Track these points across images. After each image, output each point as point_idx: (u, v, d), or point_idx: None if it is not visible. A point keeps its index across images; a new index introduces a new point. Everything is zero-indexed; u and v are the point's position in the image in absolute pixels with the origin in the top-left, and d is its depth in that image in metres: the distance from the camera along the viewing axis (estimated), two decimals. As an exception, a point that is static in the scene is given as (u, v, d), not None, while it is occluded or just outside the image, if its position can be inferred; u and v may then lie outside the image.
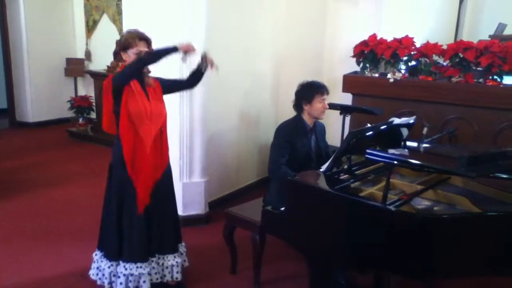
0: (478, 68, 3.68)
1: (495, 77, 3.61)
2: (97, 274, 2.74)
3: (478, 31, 4.63)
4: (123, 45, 2.51)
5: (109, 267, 2.66)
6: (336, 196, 2.15)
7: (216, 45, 3.71)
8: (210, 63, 2.65)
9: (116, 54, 2.61)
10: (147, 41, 2.55)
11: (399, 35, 4.04)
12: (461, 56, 3.69)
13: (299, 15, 4.63)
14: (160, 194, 2.67)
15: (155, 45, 2.58)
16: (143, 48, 2.51)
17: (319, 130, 3.13)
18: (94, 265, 2.78)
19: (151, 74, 2.62)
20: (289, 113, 3.19)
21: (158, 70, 2.67)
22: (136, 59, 2.46)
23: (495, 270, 2.07)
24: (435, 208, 2.23)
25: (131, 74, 2.46)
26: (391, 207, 2.01)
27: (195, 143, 3.69)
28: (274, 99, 4.76)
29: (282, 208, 2.38)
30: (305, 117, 3.01)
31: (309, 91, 2.96)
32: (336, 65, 4.61)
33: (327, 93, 2.99)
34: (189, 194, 3.72)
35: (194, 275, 3.00)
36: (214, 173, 4.01)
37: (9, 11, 6.79)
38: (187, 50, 2.50)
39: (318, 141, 3.10)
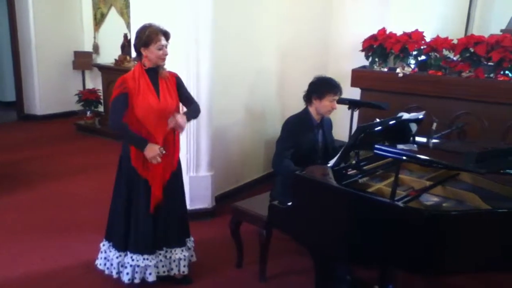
0: (489, 63, 3.63)
1: (506, 72, 3.56)
2: (105, 264, 2.77)
3: (489, 25, 4.56)
4: (145, 41, 2.47)
5: (117, 257, 2.69)
6: (344, 192, 2.14)
7: (221, 39, 3.71)
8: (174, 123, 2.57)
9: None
10: (165, 35, 2.53)
11: (406, 29, 3.99)
12: (472, 50, 3.64)
13: (304, 8, 4.60)
14: (169, 188, 2.68)
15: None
16: (164, 42, 2.50)
17: (326, 125, 3.11)
18: (101, 255, 2.80)
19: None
20: (295, 106, 3.17)
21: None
22: (124, 133, 2.53)
23: (503, 267, 2.05)
24: (443, 205, 2.21)
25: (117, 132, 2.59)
26: (399, 203, 2.00)
27: (202, 137, 3.68)
28: (280, 93, 4.74)
29: (289, 203, 2.37)
30: (312, 111, 2.99)
31: (322, 87, 2.91)
32: (342, 59, 4.58)
33: (340, 94, 2.96)
34: (195, 188, 3.72)
35: (200, 269, 3.01)
36: (220, 167, 4.00)
37: (17, 4, 6.80)
38: (151, 159, 2.52)
39: (325, 136, 3.08)
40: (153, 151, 2.48)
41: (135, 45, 2.55)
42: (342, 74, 4.17)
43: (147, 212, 2.62)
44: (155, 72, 2.55)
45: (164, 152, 2.52)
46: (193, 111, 2.71)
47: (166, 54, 2.53)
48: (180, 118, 2.55)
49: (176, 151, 2.69)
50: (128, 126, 2.51)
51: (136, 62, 2.62)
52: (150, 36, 2.46)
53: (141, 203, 2.61)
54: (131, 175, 2.60)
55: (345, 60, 4.47)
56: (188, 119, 2.64)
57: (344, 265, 2.74)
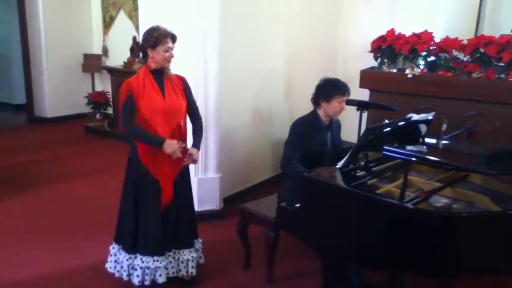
0: (500, 64, 3.59)
1: (517, 72, 3.52)
2: (115, 267, 2.77)
3: (500, 25, 4.51)
4: (153, 42, 2.50)
5: (127, 260, 2.69)
6: (352, 193, 2.12)
7: (229, 41, 3.71)
8: (191, 161, 2.70)
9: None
10: (173, 38, 2.56)
11: (416, 30, 3.97)
12: (482, 51, 3.60)
13: (312, 9, 4.58)
14: (177, 188, 2.69)
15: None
16: (171, 44, 2.54)
17: (335, 126, 3.09)
18: (111, 258, 2.81)
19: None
20: (303, 108, 3.16)
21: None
22: (139, 136, 2.55)
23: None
24: (453, 206, 2.19)
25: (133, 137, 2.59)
26: (409, 205, 1.98)
27: (210, 139, 3.68)
28: (288, 94, 4.73)
29: (297, 205, 2.36)
30: (321, 113, 2.97)
31: (330, 89, 2.89)
32: (351, 60, 4.55)
33: (348, 94, 2.93)
34: (203, 189, 3.72)
35: (208, 270, 3.01)
36: (228, 169, 4.00)
37: (28, 7, 6.88)
38: (171, 155, 2.53)
39: (334, 138, 3.06)
40: (172, 146, 2.50)
41: (141, 46, 2.58)
42: (351, 75, 4.15)
43: (156, 211, 2.63)
44: (160, 73, 2.58)
45: (183, 145, 2.57)
46: (200, 137, 2.78)
47: (172, 57, 2.56)
48: (196, 156, 2.68)
49: (184, 162, 2.69)
50: (141, 128, 2.53)
51: (141, 65, 2.65)
52: (158, 37, 2.49)
53: (150, 203, 2.62)
54: (140, 176, 2.61)
55: (354, 61, 4.44)
56: (199, 148, 2.75)
57: (353, 267, 2.72)
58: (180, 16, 3.40)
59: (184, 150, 2.63)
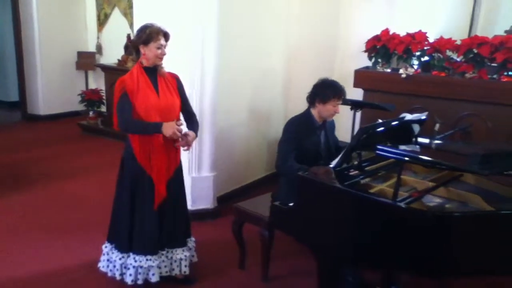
0: (493, 64, 3.61)
1: (510, 73, 3.54)
2: (108, 266, 2.77)
3: (494, 26, 4.54)
4: (145, 39, 2.50)
5: (120, 259, 2.69)
6: (346, 192, 2.13)
7: (228, 40, 3.71)
8: (185, 142, 2.63)
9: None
10: (165, 35, 2.56)
11: (411, 30, 3.98)
12: (475, 51, 3.63)
13: (312, 9, 4.59)
14: (173, 186, 2.69)
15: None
16: (163, 42, 2.53)
17: (328, 125, 3.10)
18: (103, 258, 2.80)
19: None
20: (300, 108, 3.16)
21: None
22: (136, 127, 2.53)
23: (509, 269, 2.03)
24: (446, 206, 2.20)
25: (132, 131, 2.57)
26: (402, 204, 1.99)
27: (205, 137, 3.68)
28: (285, 94, 4.73)
29: (291, 204, 2.37)
30: (315, 113, 2.97)
31: (327, 92, 2.88)
32: (348, 60, 4.56)
33: (344, 98, 2.95)
34: (198, 188, 3.72)
35: (202, 270, 3.01)
36: (223, 168, 4.00)
37: (21, 4, 6.82)
38: (172, 136, 2.51)
39: (327, 137, 3.07)
40: (171, 127, 2.48)
41: (134, 42, 2.58)
42: (348, 75, 4.16)
43: (153, 210, 2.63)
44: (153, 71, 2.58)
45: (181, 123, 2.56)
46: (196, 128, 2.75)
47: (164, 54, 2.56)
48: (191, 137, 2.62)
49: (178, 147, 2.70)
50: (137, 120, 2.52)
51: (135, 63, 2.64)
52: (151, 34, 2.49)
53: (147, 201, 2.62)
54: (136, 175, 2.61)
55: (351, 61, 4.44)
56: (196, 135, 2.71)
57: (348, 266, 2.73)
58: (177, 13, 3.39)
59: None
